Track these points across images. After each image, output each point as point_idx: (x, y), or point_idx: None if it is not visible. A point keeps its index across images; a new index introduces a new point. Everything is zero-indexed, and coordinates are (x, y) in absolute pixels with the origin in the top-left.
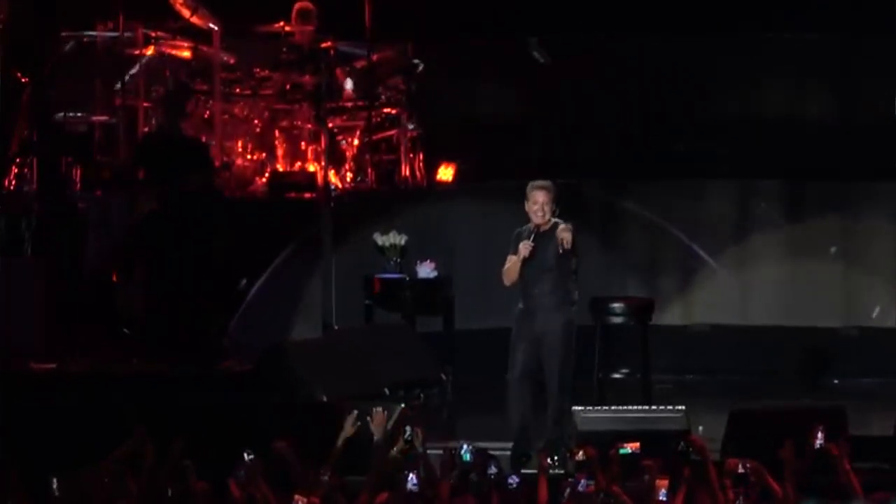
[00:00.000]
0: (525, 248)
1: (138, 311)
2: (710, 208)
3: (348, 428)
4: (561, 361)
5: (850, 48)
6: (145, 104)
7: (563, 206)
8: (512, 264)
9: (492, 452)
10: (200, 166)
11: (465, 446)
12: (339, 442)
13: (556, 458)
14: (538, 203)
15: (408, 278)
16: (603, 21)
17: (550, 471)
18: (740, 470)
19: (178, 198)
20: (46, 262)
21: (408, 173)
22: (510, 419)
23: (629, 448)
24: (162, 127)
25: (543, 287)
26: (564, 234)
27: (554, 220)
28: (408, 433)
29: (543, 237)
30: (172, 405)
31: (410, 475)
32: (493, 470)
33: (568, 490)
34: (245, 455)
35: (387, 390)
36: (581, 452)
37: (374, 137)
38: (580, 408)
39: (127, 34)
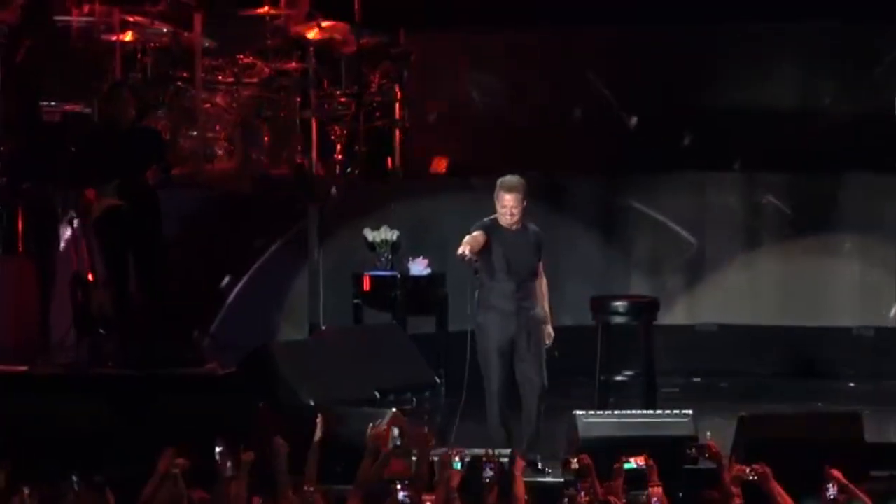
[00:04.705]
0: (465, 251)
1: (113, 312)
2: (717, 203)
3: (318, 432)
4: (543, 362)
5: (860, 37)
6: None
7: (561, 201)
8: (473, 244)
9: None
10: (156, 158)
11: (457, 455)
12: (314, 447)
13: (538, 456)
14: (506, 206)
15: (399, 276)
16: (603, 11)
17: (545, 478)
18: (749, 477)
19: (138, 192)
20: (17, 260)
21: (400, 165)
22: (495, 433)
23: (634, 462)
24: (109, 118)
25: (524, 288)
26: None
27: (527, 223)
28: (396, 437)
29: (516, 240)
30: (151, 411)
31: (399, 486)
32: (489, 474)
33: (566, 500)
34: (216, 449)
35: (377, 394)
36: (575, 461)
37: (364, 128)
38: (581, 412)
39: (103, 19)
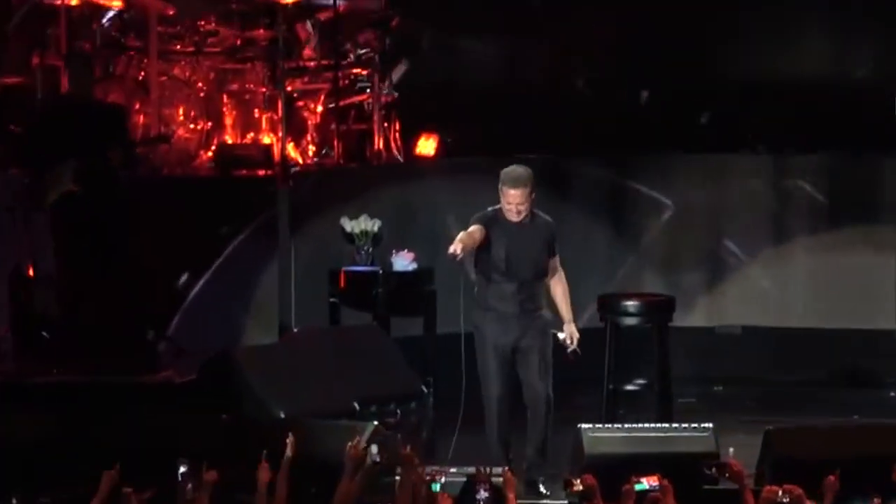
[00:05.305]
0: (457, 250)
1: (59, 311)
2: (740, 189)
3: (289, 450)
4: (549, 370)
5: None
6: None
7: (565, 187)
8: (467, 241)
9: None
10: (119, 138)
11: (440, 476)
12: (284, 466)
13: (542, 479)
14: (512, 203)
15: (381, 271)
16: None
17: (544, 500)
18: (783, 500)
19: (98, 176)
20: None
21: (381, 146)
22: (493, 448)
23: (647, 483)
24: (69, 91)
25: (527, 289)
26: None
27: (536, 212)
28: (374, 453)
29: (521, 234)
30: (100, 422)
31: None
32: (483, 496)
33: None
34: (180, 468)
35: (356, 406)
36: (579, 481)
37: (341, 103)
38: (587, 426)
39: None
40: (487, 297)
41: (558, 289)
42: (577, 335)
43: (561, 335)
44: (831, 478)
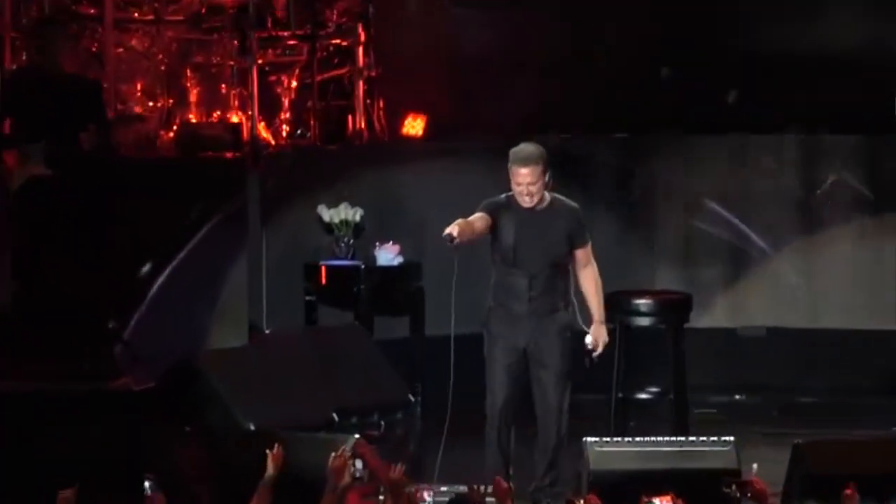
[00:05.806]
0: (453, 232)
1: (7, 309)
2: (766, 174)
3: (271, 466)
4: (564, 381)
5: None
6: (12, 33)
7: (571, 172)
8: (464, 228)
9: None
10: (94, 116)
11: (428, 492)
12: (265, 484)
13: (548, 502)
14: (522, 184)
15: (363, 266)
16: None
17: None
18: None
19: (70, 160)
20: None
21: (363, 125)
22: (491, 461)
23: (659, 502)
24: (36, 63)
25: (540, 284)
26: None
27: (550, 194)
28: (357, 469)
29: (535, 222)
30: (50, 434)
31: None
32: None
33: None
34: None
35: (335, 416)
36: (583, 502)
37: (319, 78)
38: (594, 439)
39: None
40: (497, 291)
41: (588, 284)
42: (604, 338)
43: (588, 337)
44: (848, 491)
